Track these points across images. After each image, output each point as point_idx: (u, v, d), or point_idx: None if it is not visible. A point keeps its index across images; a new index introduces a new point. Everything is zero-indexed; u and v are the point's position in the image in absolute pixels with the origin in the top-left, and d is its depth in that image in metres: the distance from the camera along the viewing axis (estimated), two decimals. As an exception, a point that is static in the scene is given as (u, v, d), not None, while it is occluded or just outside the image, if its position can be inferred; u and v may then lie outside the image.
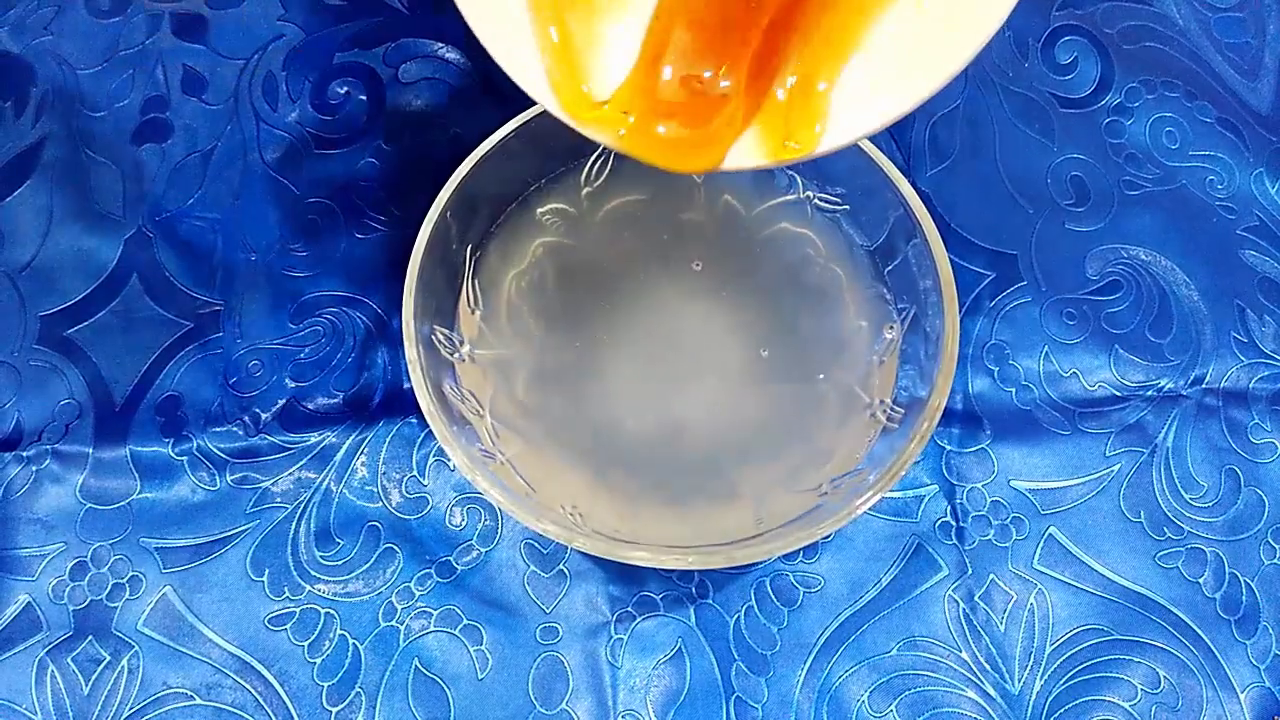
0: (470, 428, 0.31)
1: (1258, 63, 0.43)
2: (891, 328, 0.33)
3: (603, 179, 0.35)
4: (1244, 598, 0.34)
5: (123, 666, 0.33)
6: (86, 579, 0.34)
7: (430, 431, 0.31)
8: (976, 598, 0.34)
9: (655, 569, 0.34)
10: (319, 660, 0.33)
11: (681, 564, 0.27)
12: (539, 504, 0.30)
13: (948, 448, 0.36)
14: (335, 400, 0.36)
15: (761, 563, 0.34)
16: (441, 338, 0.32)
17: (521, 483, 0.30)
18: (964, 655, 0.33)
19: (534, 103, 0.31)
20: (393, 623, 0.34)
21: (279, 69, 0.42)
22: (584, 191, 0.35)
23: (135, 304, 0.38)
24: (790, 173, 0.34)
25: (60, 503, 0.35)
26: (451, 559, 0.34)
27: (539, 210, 0.35)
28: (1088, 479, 0.36)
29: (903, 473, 0.28)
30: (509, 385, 0.32)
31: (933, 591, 0.34)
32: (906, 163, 0.40)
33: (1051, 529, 0.35)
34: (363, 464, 0.35)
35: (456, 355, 0.32)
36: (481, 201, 0.33)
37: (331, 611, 0.34)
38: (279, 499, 0.35)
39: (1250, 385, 0.37)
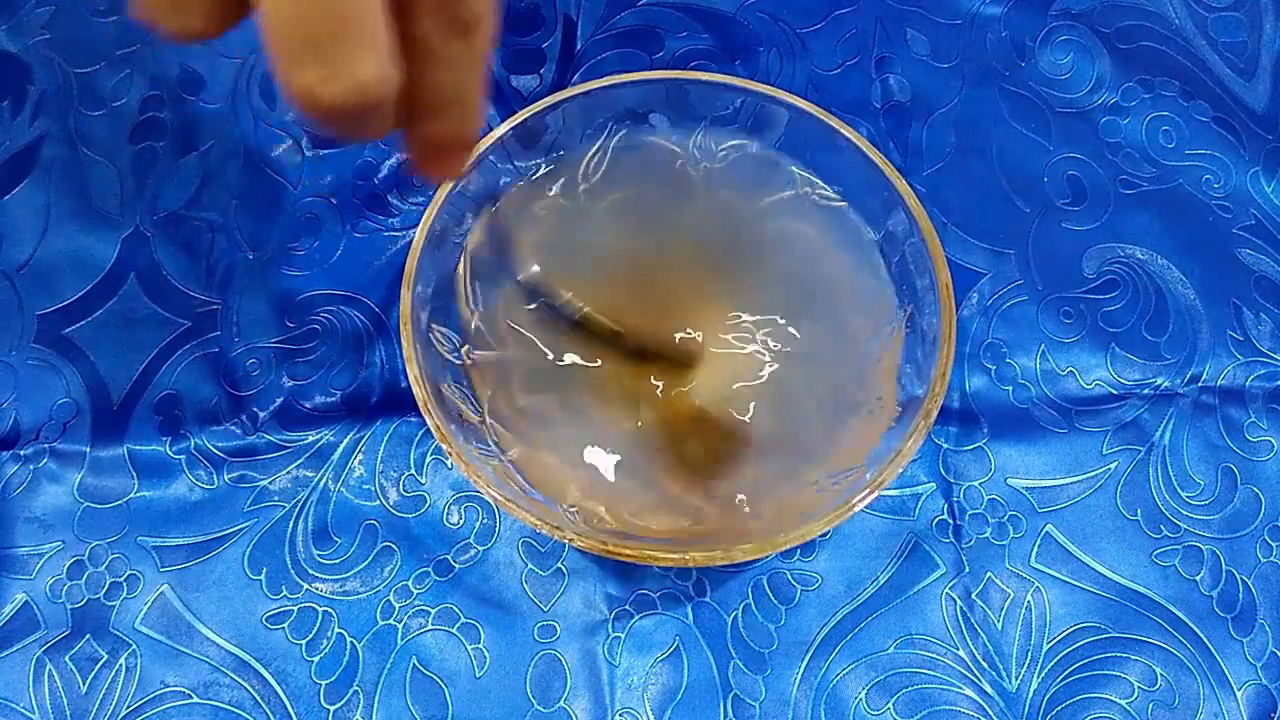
0: (468, 425, 0.31)
1: (1254, 62, 0.43)
2: (889, 326, 0.33)
3: (600, 176, 0.35)
4: (1241, 595, 0.34)
5: (120, 665, 0.33)
6: (84, 578, 0.34)
7: (428, 430, 0.31)
8: (974, 596, 0.34)
9: (653, 567, 0.34)
10: (317, 658, 0.33)
11: (679, 561, 0.27)
12: (536, 502, 0.30)
13: (945, 446, 0.36)
14: (333, 399, 0.36)
15: (759, 560, 0.34)
16: (439, 335, 0.32)
17: (519, 480, 0.30)
18: (961, 653, 0.33)
19: (531, 102, 0.32)
20: (390, 621, 0.34)
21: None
22: (581, 188, 0.35)
23: (133, 303, 0.38)
24: (789, 169, 0.35)
25: (58, 501, 0.35)
26: (449, 557, 0.34)
27: (536, 208, 0.34)
28: (1085, 477, 0.36)
29: (899, 470, 0.28)
30: (506, 383, 0.32)
31: (930, 589, 0.34)
32: (904, 161, 0.40)
33: (1048, 527, 0.35)
34: (360, 462, 0.35)
35: (454, 353, 0.32)
36: (479, 200, 0.33)
37: (329, 610, 0.34)
38: (277, 497, 0.35)
39: (1247, 383, 0.37)
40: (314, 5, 0.16)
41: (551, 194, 0.35)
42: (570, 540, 0.27)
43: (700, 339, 0.33)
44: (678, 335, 0.33)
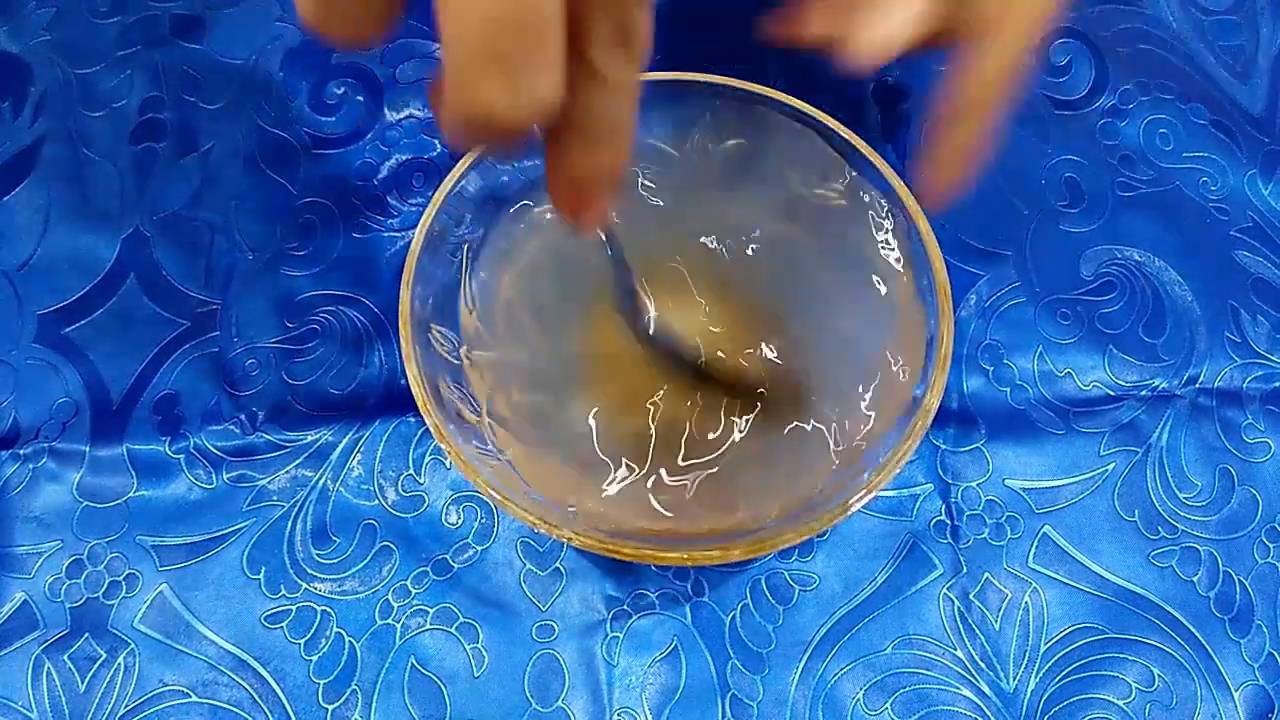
0: (466, 425, 0.31)
1: (1250, 65, 0.43)
2: (887, 328, 0.33)
3: None
4: (1238, 596, 0.35)
5: (119, 664, 0.33)
6: (83, 576, 0.34)
7: (426, 430, 0.31)
8: (971, 596, 0.34)
9: (651, 567, 0.34)
10: (315, 658, 0.33)
11: (677, 560, 0.27)
12: (534, 501, 0.30)
13: (943, 446, 0.36)
14: (332, 399, 0.36)
15: (757, 561, 0.34)
16: (438, 335, 0.32)
17: (517, 480, 0.31)
18: (959, 653, 0.34)
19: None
20: (389, 620, 0.34)
21: (277, 70, 0.42)
22: None
23: (133, 303, 0.38)
24: (788, 172, 0.35)
25: (57, 500, 0.35)
26: (448, 557, 0.34)
27: (537, 210, 0.35)
28: (1082, 478, 0.36)
29: (895, 472, 0.28)
30: (505, 383, 0.32)
31: (928, 590, 0.34)
32: (901, 164, 0.41)
33: (1046, 528, 0.35)
34: (359, 462, 0.36)
35: (453, 353, 0.32)
36: (479, 201, 0.33)
37: (328, 609, 0.34)
38: (275, 497, 0.35)
39: (1244, 385, 0.37)
40: (507, 17, 0.16)
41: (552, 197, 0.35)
42: (569, 539, 0.27)
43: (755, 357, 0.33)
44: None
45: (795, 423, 0.32)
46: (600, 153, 0.21)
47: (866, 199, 0.33)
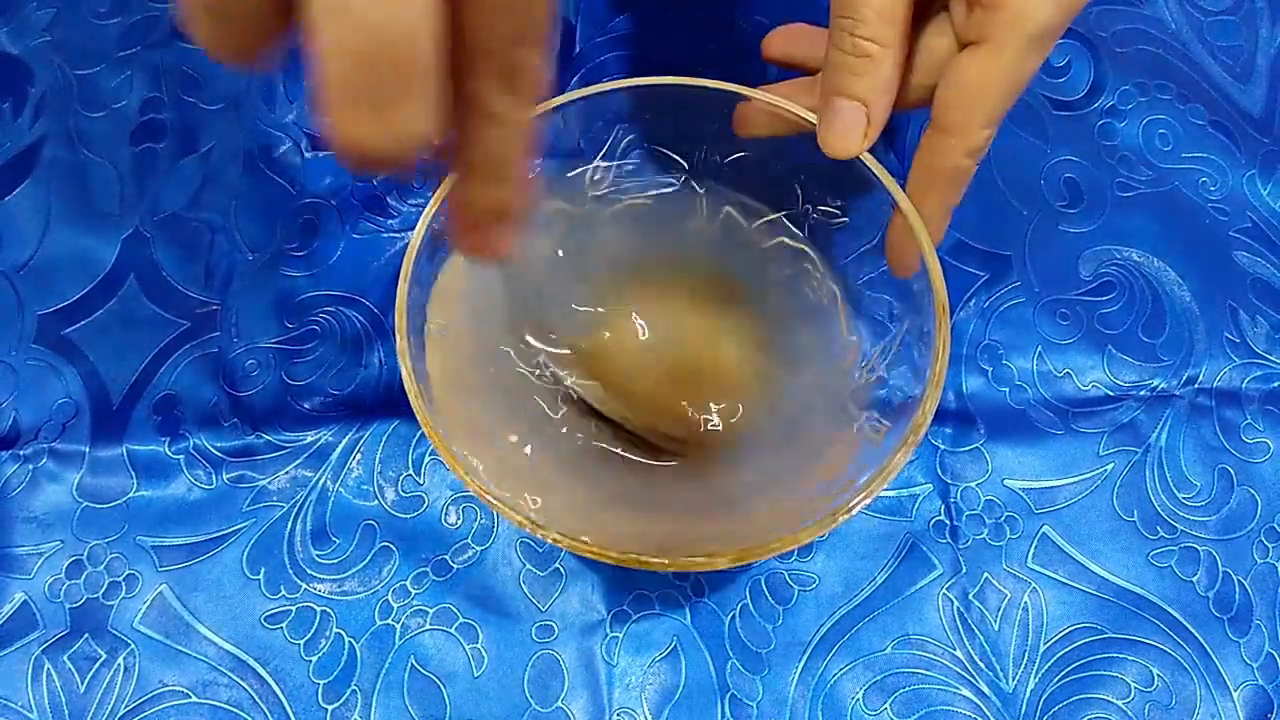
0: None
1: (1249, 65, 0.43)
2: (885, 338, 0.33)
3: (608, 182, 0.35)
4: (1237, 596, 0.35)
5: (119, 664, 0.33)
6: (83, 577, 0.34)
7: (426, 430, 0.31)
8: (970, 596, 0.34)
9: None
10: (315, 658, 0.33)
11: (660, 566, 0.27)
12: (523, 501, 0.30)
13: (941, 447, 0.36)
14: (331, 399, 0.36)
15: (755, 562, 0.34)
16: (435, 332, 0.31)
17: (508, 479, 0.30)
18: (958, 654, 0.34)
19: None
20: (389, 621, 0.34)
21: (277, 69, 0.42)
22: (589, 194, 0.35)
23: (132, 303, 0.38)
24: (791, 184, 0.34)
25: (57, 501, 0.35)
26: (447, 557, 0.34)
27: (541, 210, 0.35)
28: (1081, 478, 0.36)
29: (891, 477, 0.28)
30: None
31: (927, 590, 0.34)
32: (901, 166, 0.41)
33: (1045, 528, 0.35)
34: (358, 462, 0.36)
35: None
36: None
37: (327, 610, 0.34)
38: (275, 497, 0.35)
39: (1243, 385, 0.37)
40: (375, 55, 0.16)
41: (557, 198, 0.35)
42: (554, 540, 0.27)
43: (697, 420, 0.32)
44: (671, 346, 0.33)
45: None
46: (493, 189, 0.21)
47: (866, 211, 0.33)
